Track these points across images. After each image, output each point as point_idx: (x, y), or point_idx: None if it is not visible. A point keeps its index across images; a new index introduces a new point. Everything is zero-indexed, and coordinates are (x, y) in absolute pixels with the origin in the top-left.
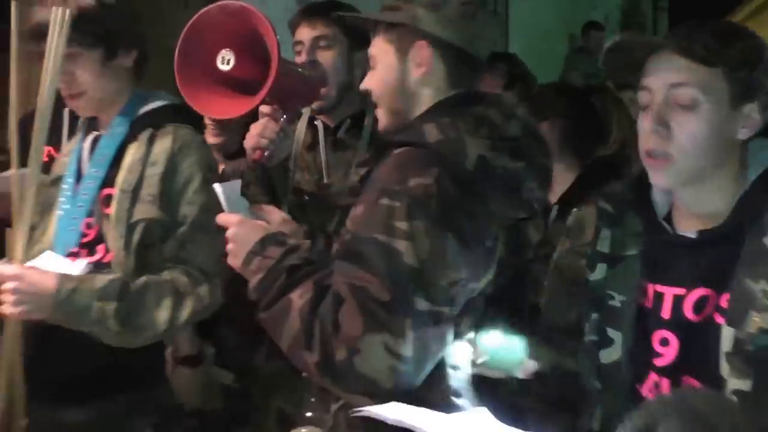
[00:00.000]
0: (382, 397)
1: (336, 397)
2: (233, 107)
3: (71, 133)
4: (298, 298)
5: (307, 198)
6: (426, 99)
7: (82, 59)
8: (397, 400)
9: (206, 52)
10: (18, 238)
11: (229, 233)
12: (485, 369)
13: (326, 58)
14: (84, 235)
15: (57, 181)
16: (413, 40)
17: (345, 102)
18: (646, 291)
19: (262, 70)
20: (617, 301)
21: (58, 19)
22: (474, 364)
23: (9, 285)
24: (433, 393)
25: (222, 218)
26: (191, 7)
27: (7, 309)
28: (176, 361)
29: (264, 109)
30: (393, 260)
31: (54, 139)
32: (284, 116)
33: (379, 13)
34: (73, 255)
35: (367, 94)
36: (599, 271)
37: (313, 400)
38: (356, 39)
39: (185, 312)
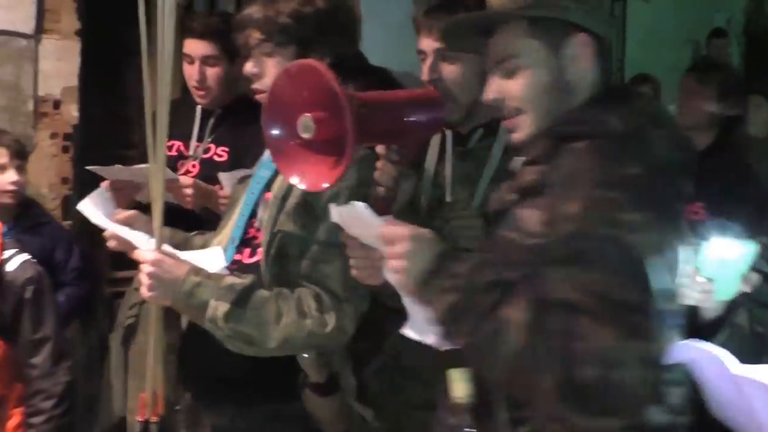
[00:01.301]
0: (634, 414)
1: None
2: (325, 175)
3: (202, 129)
4: (516, 314)
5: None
6: (581, 94)
7: (273, 56)
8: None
9: (288, 121)
10: (156, 225)
11: (398, 248)
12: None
13: (452, 73)
14: (253, 236)
15: (246, 179)
16: (567, 34)
17: (476, 112)
18: None
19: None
20: None
21: (166, 11)
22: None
23: (146, 269)
24: None
25: (389, 231)
26: None
27: (144, 292)
28: (304, 385)
29: (378, 149)
30: (626, 256)
31: (184, 135)
32: (399, 157)
33: (522, 9)
34: (239, 253)
35: (496, 104)
36: None
37: None
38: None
39: (301, 335)
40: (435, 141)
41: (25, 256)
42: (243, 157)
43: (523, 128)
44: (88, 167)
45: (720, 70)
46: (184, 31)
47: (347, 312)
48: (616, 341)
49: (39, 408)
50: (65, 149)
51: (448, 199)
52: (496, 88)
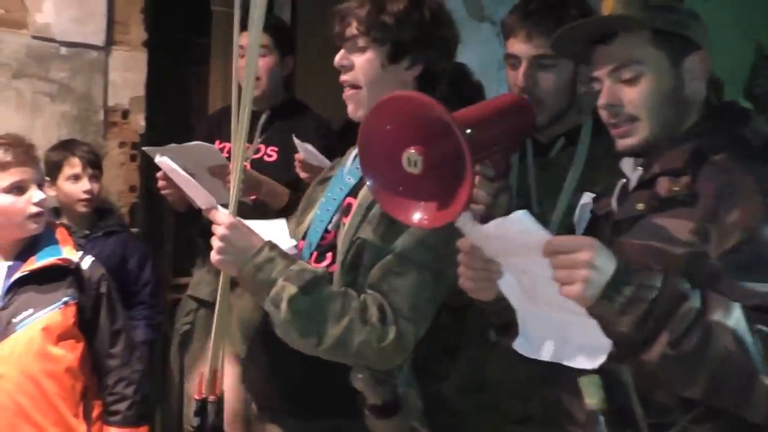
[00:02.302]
0: None
1: None
2: (445, 207)
3: (252, 130)
4: (723, 318)
5: None
6: (694, 110)
7: (366, 52)
8: None
9: (389, 153)
10: (232, 194)
11: (582, 256)
12: None
13: (548, 81)
14: (323, 239)
15: (325, 181)
16: (686, 49)
17: (560, 120)
18: None
19: (455, 162)
20: None
21: (255, 19)
22: None
23: (220, 231)
24: None
25: (569, 239)
26: None
27: (213, 256)
28: (363, 406)
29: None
30: None
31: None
32: (495, 172)
33: (650, 19)
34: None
35: (610, 110)
36: None
37: None
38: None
39: (356, 341)
40: None
41: (91, 257)
42: (293, 156)
43: (635, 135)
44: (143, 148)
45: None
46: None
47: (406, 331)
48: None
49: (123, 394)
50: (133, 158)
51: (535, 210)
52: (613, 93)
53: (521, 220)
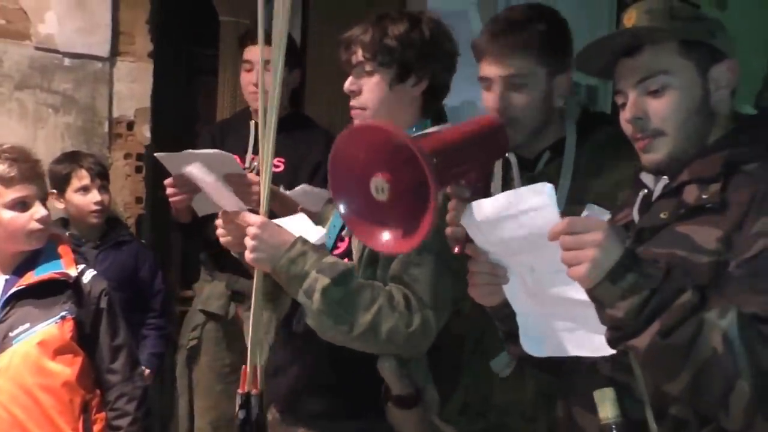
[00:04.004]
0: None
1: None
2: (409, 233)
3: (257, 142)
4: (716, 319)
5: None
6: (721, 120)
7: (374, 76)
8: None
9: (356, 185)
10: (263, 195)
11: (591, 237)
12: None
13: (520, 101)
14: (335, 247)
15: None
16: (714, 59)
17: (542, 135)
18: None
19: (424, 188)
20: None
21: (281, 41)
22: None
23: (251, 231)
24: None
25: (581, 220)
26: None
27: (247, 255)
28: (387, 398)
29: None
30: None
31: (240, 150)
32: (470, 192)
33: (677, 30)
34: None
35: (635, 124)
36: None
37: None
38: (558, 57)
39: (386, 327)
40: (497, 168)
41: (93, 271)
42: (299, 167)
43: (661, 150)
44: (156, 154)
45: None
46: (241, 46)
47: (430, 318)
48: None
49: (124, 410)
50: (138, 169)
51: None
52: (639, 106)
53: (542, 191)
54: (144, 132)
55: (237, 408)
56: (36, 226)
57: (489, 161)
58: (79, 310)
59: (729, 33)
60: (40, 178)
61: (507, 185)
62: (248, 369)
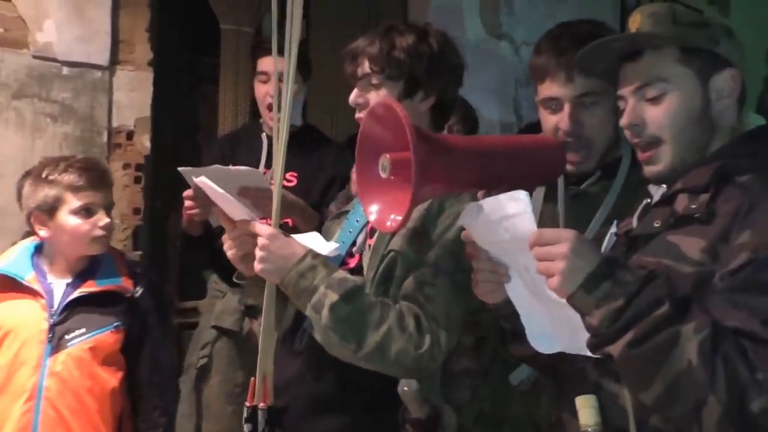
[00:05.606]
0: None
1: None
2: (395, 215)
3: (269, 156)
4: (693, 332)
5: None
6: (722, 131)
7: (381, 89)
8: None
9: (376, 159)
10: (275, 207)
11: (560, 249)
12: None
13: (594, 121)
14: (344, 263)
15: (341, 215)
16: (716, 67)
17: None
18: None
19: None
20: None
21: (292, 52)
22: None
23: (261, 241)
24: None
25: (551, 232)
26: None
27: (256, 266)
28: (404, 421)
29: (479, 195)
30: None
31: (252, 164)
32: None
33: (678, 37)
34: None
35: (633, 130)
36: None
37: None
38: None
39: (395, 349)
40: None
41: (142, 288)
42: (311, 181)
43: (661, 161)
44: (180, 168)
45: None
46: (254, 57)
47: (442, 339)
48: None
49: (157, 422)
50: (137, 180)
51: None
52: (637, 113)
53: (518, 199)
54: (143, 142)
55: (243, 421)
56: (99, 232)
57: (531, 177)
58: (131, 323)
59: (740, 39)
60: (107, 187)
61: (551, 198)
62: (257, 380)
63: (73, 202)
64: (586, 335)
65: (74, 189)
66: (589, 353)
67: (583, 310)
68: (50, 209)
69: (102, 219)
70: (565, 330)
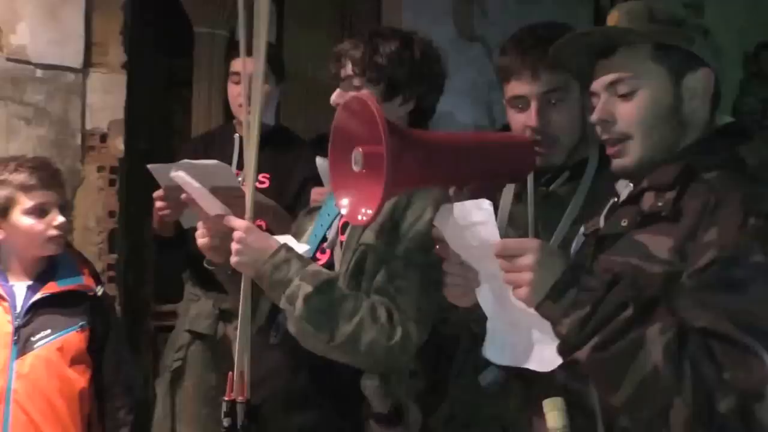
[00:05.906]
0: None
1: None
2: (366, 208)
3: (241, 157)
4: (658, 334)
5: None
6: (692, 130)
7: (363, 92)
8: None
9: (349, 152)
10: (248, 201)
11: (526, 259)
12: None
13: (560, 117)
14: (316, 260)
15: (313, 211)
16: (689, 66)
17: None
18: None
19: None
20: None
21: (261, 50)
22: None
23: (237, 234)
24: None
25: (516, 242)
26: None
27: (232, 259)
28: (367, 415)
29: (450, 191)
30: None
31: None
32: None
33: (652, 33)
34: None
35: (602, 125)
36: None
37: None
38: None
39: (367, 339)
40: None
41: (103, 286)
42: (285, 182)
43: (628, 155)
44: (149, 165)
45: None
46: (228, 57)
47: (412, 332)
48: (761, 373)
49: (124, 421)
50: (111, 182)
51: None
52: (607, 109)
53: (482, 207)
54: (117, 144)
55: (222, 416)
56: (54, 232)
57: (501, 175)
58: (95, 321)
59: (716, 39)
60: (60, 186)
61: (522, 199)
62: (235, 375)
63: (26, 202)
64: (544, 349)
65: (26, 188)
66: (538, 369)
67: (551, 319)
68: (3, 210)
69: (56, 218)
70: (523, 342)
